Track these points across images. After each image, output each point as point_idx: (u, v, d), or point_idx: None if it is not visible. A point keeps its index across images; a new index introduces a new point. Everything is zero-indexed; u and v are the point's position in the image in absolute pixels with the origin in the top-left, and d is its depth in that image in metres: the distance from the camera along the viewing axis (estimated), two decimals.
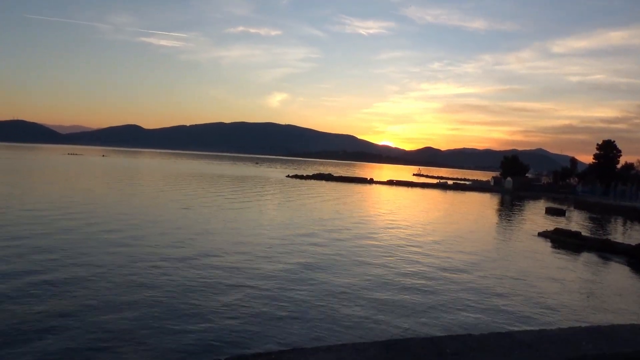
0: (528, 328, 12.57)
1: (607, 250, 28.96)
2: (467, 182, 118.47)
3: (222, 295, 15.11)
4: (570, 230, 32.71)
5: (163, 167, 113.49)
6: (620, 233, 42.61)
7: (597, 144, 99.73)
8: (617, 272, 24.14)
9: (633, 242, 31.09)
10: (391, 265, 21.47)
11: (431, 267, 21.67)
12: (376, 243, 26.97)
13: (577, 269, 24.21)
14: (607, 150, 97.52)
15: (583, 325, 12.55)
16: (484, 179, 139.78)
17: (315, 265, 20.28)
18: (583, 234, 32.77)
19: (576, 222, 49.32)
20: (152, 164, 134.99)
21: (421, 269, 21.15)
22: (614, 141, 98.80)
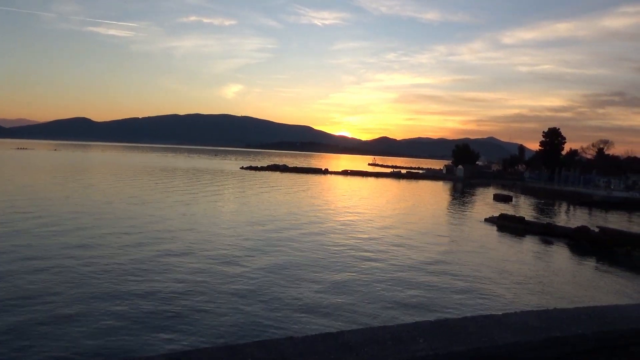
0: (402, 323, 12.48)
1: (548, 234, 29.86)
2: (420, 171, 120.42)
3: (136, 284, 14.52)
4: (514, 215, 33.57)
5: (118, 161, 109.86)
6: (562, 217, 44.18)
7: (543, 132, 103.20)
8: (557, 255, 24.90)
9: (573, 226, 32.22)
10: (323, 253, 21.32)
11: (371, 253, 21.67)
12: (319, 231, 26.79)
13: (519, 252, 24.80)
14: (553, 137, 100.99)
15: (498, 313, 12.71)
16: (438, 167, 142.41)
17: (236, 256, 19.89)
18: (527, 218, 33.65)
19: (522, 207, 50.81)
20: (105, 157, 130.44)
21: (356, 254, 21.10)
22: (559, 129, 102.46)
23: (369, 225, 30.97)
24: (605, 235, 27.09)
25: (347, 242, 24.38)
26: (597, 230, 28.28)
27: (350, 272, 18.02)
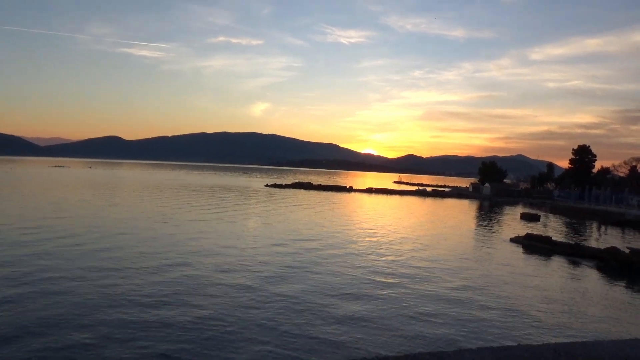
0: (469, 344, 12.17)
1: (576, 254, 29.01)
2: (446, 189, 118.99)
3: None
4: (540, 235, 32.71)
5: (144, 178, 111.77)
6: (592, 237, 42.88)
7: (573, 149, 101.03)
8: (585, 277, 24.08)
9: (603, 246, 31.23)
10: (353, 273, 21.11)
11: (396, 275, 21.36)
12: (344, 251, 26.59)
13: (545, 274, 24.08)
14: (583, 155, 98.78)
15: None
16: (465, 185, 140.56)
17: (274, 276, 19.83)
18: (554, 238, 32.80)
19: (550, 226, 49.59)
20: (137, 175, 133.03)
21: (384, 279, 20.83)
22: (589, 146, 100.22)
23: (392, 246, 30.63)
24: (636, 256, 26.14)
25: (370, 263, 24.16)
26: (627, 251, 27.34)
27: (370, 301, 17.83)
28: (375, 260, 24.80)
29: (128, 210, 42.35)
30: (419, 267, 23.48)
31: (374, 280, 20.21)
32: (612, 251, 27.22)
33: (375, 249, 28.50)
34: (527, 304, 17.74)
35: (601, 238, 42.07)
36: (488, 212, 66.54)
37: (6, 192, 55.02)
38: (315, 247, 27.56)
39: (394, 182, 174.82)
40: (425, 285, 19.72)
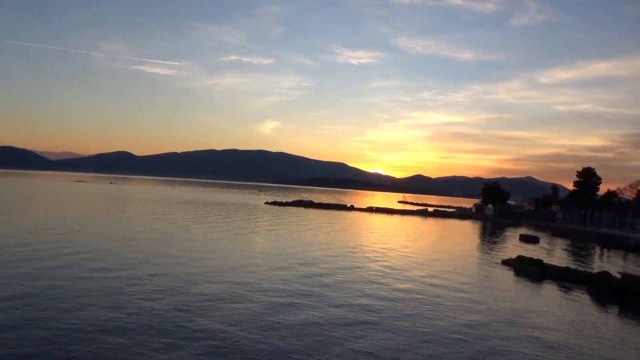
0: None
1: (567, 279, 27.88)
2: (449, 209, 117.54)
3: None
4: (532, 258, 31.55)
5: (145, 194, 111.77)
6: (590, 260, 41.56)
7: (577, 172, 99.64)
8: (573, 303, 22.94)
9: (596, 270, 30.08)
10: (324, 298, 20.22)
11: (373, 297, 20.44)
12: (318, 270, 25.69)
13: (529, 299, 22.98)
14: (587, 177, 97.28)
15: None
16: (469, 206, 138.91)
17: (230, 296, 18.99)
18: (546, 261, 31.62)
19: (549, 249, 48.28)
20: (153, 190, 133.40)
21: (360, 301, 19.92)
22: (594, 169, 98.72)
23: (374, 270, 29.67)
24: (628, 282, 24.98)
25: (343, 293, 23.26)
26: (619, 276, 26.17)
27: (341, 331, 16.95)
28: (343, 282, 23.87)
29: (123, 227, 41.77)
30: (397, 290, 22.50)
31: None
32: (603, 276, 26.08)
33: (350, 269, 27.54)
34: (492, 329, 16.74)
35: (600, 262, 40.77)
36: (488, 233, 65.24)
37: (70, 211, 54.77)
38: (282, 268, 26.69)
39: (398, 201, 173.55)
40: (393, 313, 18.76)
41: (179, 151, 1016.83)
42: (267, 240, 38.86)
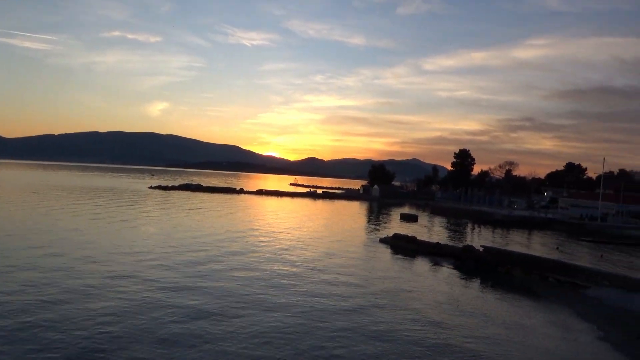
0: None
1: (437, 254, 29.28)
2: (338, 191, 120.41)
3: None
4: (406, 235, 32.82)
5: (39, 180, 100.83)
6: (459, 236, 44.39)
7: (454, 153, 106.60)
8: (441, 275, 24.04)
9: (461, 244, 31.97)
10: (203, 276, 19.15)
11: (250, 279, 19.71)
12: (196, 255, 24.48)
13: (400, 272, 23.69)
14: (463, 158, 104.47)
15: None
16: (358, 187, 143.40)
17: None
18: (419, 238, 33.02)
19: (426, 226, 50.92)
20: (27, 176, 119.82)
21: (237, 282, 19.08)
22: (469, 150, 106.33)
23: (253, 246, 28.98)
24: (489, 254, 26.75)
25: (212, 265, 22.27)
26: (481, 249, 27.97)
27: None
28: (223, 260, 22.98)
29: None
30: (275, 268, 22.02)
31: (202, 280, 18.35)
32: (468, 249, 27.70)
33: (231, 250, 26.66)
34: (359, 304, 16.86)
35: (470, 237, 43.67)
36: (373, 213, 67.48)
37: None
38: (151, 254, 25.13)
39: (290, 184, 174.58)
40: (271, 290, 18.22)
41: (56, 133, 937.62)
42: (134, 228, 36.52)
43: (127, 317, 14.15)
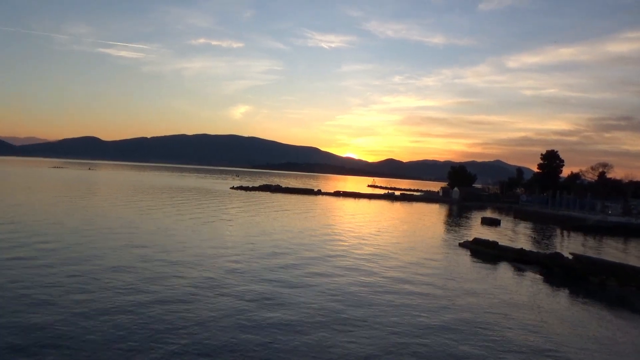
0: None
1: (521, 260, 27.88)
2: (415, 193, 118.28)
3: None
4: (487, 240, 31.52)
5: (143, 180, 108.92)
6: (545, 242, 41.92)
7: (541, 155, 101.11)
8: (525, 283, 22.82)
9: (548, 251, 30.20)
10: (282, 280, 19.56)
11: (332, 286, 19.86)
12: (273, 258, 25.02)
13: (481, 279, 22.76)
14: (550, 160, 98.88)
15: None
16: (437, 189, 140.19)
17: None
18: (500, 243, 31.60)
19: (509, 231, 48.66)
20: (133, 177, 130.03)
21: (320, 286, 19.30)
22: (557, 151, 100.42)
23: (326, 247, 29.16)
24: (579, 263, 25.04)
25: (287, 269, 22.63)
26: (570, 257, 26.23)
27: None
28: (293, 262, 23.27)
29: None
30: (351, 270, 22.00)
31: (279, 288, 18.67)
32: (555, 257, 26.10)
33: (305, 252, 26.95)
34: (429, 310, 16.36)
35: (557, 244, 41.16)
36: (453, 216, 65.60)
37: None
38: (229, 255, 25.91)
39: (368, 185, 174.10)
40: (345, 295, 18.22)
41: (148, 136, 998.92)
42: (216, 229, 37.93)
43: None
